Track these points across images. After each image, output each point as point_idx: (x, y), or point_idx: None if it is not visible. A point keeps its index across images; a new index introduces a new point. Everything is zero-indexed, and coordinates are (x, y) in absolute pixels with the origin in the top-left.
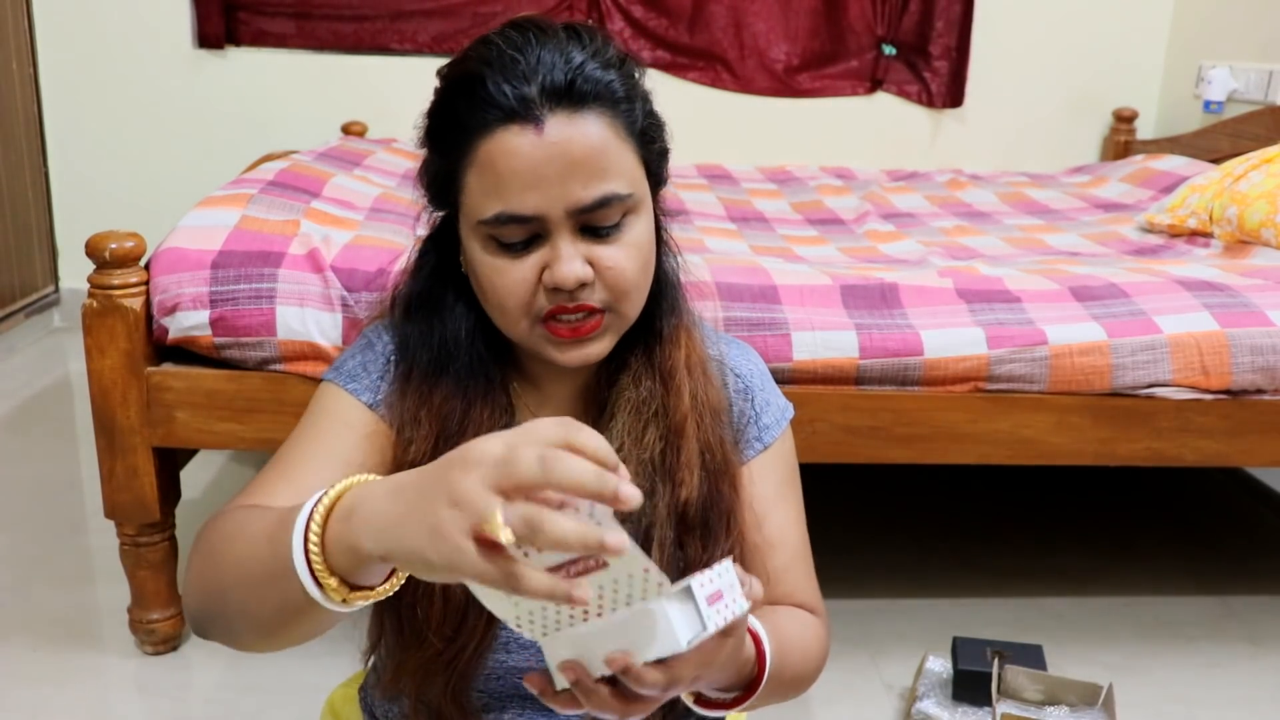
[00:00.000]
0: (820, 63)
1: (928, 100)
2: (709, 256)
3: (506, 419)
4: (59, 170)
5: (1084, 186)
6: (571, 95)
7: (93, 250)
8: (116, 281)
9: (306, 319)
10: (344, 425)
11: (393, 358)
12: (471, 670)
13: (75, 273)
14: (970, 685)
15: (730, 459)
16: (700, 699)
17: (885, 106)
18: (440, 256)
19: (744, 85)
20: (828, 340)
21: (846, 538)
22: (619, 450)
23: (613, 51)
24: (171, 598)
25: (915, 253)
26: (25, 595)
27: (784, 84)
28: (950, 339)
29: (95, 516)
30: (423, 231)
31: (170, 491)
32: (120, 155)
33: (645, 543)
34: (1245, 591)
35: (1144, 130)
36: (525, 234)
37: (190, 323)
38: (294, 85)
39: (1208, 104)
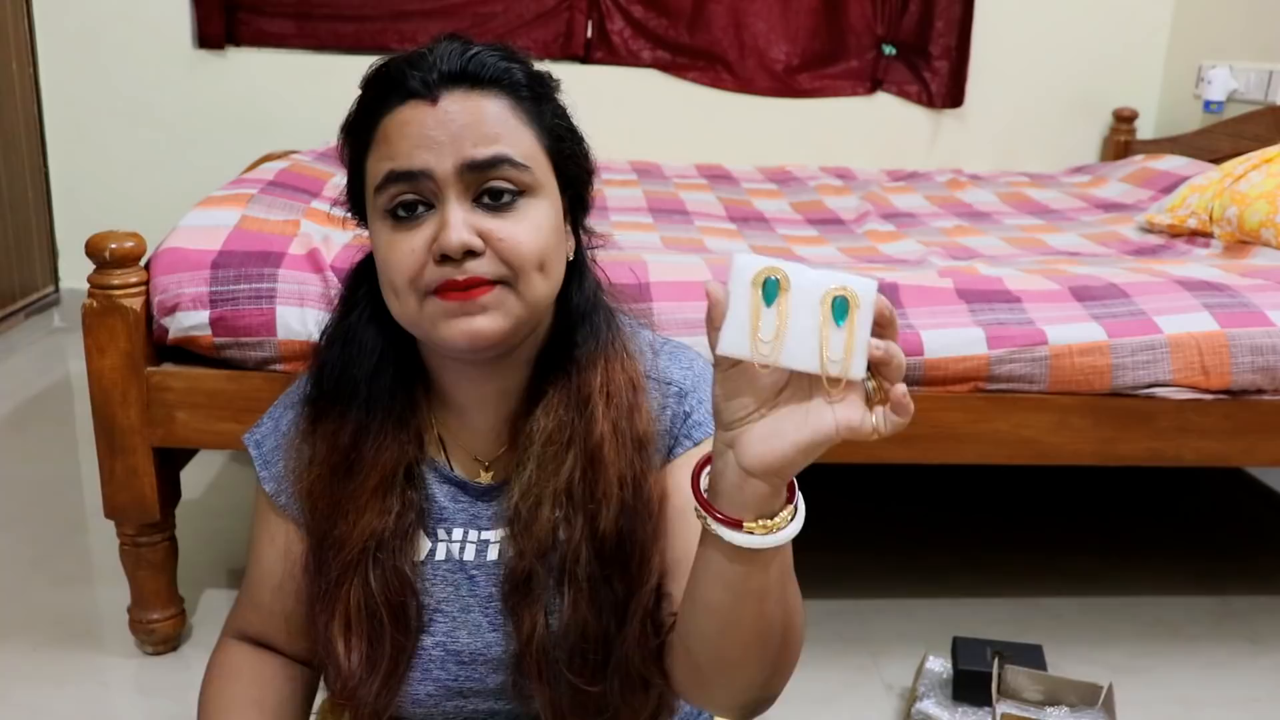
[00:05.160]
0: (820, 63)
1: (928, 100)
2: (709, 256)
3: (415, 451)
4: (59, 170)
5: (1084, 186)
6: (465, 75)
7: (93, 250)
8: (116, 281)
9: (306, 319)
10: (268, 539)
11: (285, 436)
12: (386, 701)
13: (75, 273)
14: (970, 685)
15: (652, 496)
16: (728, 521)
17: (885, 106)
18: (361, 283)
19: (744, 85)
20: None
21: (846, 537)
22: (534, 482)
23: (526, 58)
24: (171, 597)
25: (915, 253)
26: (25, 595)
27: (784, 84)
28: (950, 339)
29: (95, 516)
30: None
31: (170, 491)
32: (120, 155)
33: (562, 576)
34: (1245, 591)
35: (1144, 130)
36: (413, 193)
37: (190, 323)
38: (294, 85)
39: (1208, 104)
